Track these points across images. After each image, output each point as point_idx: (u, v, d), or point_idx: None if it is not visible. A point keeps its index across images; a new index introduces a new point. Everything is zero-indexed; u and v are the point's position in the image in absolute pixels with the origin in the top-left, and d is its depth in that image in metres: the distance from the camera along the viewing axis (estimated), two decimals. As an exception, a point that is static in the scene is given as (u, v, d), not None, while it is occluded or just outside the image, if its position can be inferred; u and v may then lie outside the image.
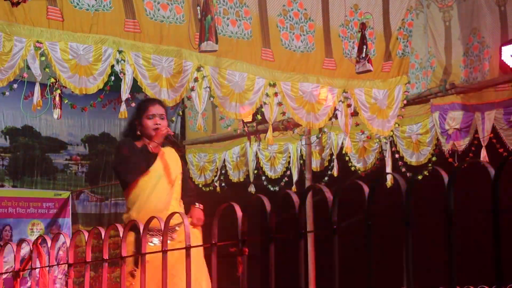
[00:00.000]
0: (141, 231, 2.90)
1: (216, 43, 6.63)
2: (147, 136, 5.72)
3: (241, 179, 10.94)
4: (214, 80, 7.15)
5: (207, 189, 11.00)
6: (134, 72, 6.66)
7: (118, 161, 5.68)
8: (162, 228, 2.92)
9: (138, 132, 5.79)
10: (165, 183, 5.64)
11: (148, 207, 5.48)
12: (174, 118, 8.75)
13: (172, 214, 3.34)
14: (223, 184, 11.03)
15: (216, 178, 11.05)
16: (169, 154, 5.80)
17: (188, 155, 11.08)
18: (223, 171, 11.04)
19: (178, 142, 6.13)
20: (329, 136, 10.18)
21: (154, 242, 5.40)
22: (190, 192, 6.05)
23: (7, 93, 6.39)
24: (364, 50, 7.56)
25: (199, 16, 6.71)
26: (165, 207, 5.51)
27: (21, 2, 5.73)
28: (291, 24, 7.71)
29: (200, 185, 11.01)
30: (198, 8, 6.79)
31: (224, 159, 11.06)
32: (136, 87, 6.83)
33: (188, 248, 2.75)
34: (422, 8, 8.90)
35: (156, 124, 5.73)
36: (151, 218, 3.13)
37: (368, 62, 7.53)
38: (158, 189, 5.59)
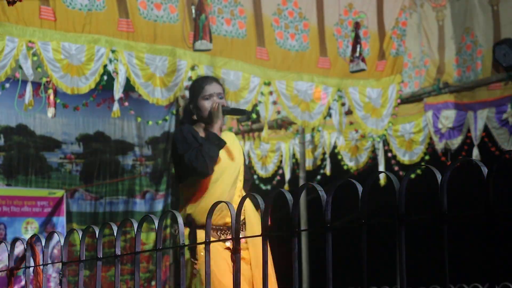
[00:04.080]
0: (135, 229, 2.91)
1: (211, 42, 6.65)
2: (205, 120, 5.03)
3: (234, 178, 10.95)
4: (209, 78, 7.16)
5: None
6: (127, 71, 6.66)
7: (193, 154, 4.87)
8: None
9: (194, 117, 5.10)
10: (229, 174, 5.01)
11: (208, 204, 4.76)
12: (167, 117, 8.74)
13: (168, 212, 3.35)
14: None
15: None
16: (232, 141, 5.16)
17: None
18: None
19: (238, 109, 5.40)
20: (321, 135, 10.20)
21: (227, 244, 4.87)
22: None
23: (-1, 93, 6.41)
24: (358, 49, 7.59)
25: (194, 15, 6.73)
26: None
27: (17, 1, 5.71)
28: (285, 23, 7.73)
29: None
30: (193, 7, 6.81)
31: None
32: (130, 86, 6.84)
33: (181, 247, 2.76)
34: (416, 8, 8.92)
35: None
36: (145, 217, 3.12)
37: (362, 61, 7.56)
38: (221, 183, 4.97)
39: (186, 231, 4.97)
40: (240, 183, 5.08)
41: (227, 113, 5.09)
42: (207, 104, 5.01)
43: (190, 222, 4.98)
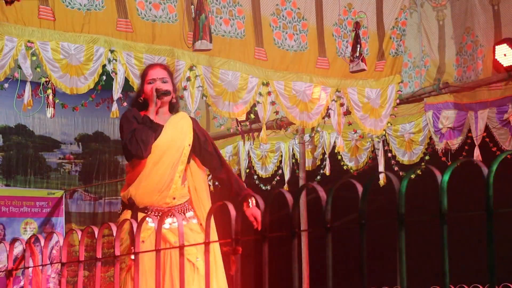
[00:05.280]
0: (135, 230, 2.89)
1: (210, 42, 6.64)
2: (146, 103, 5.20)
3: (234, 178, 10.95)
4: (207, 79, 7.15)
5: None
6: (126, 71, 6.66)
7: (128, 137, 5.03)
8: (156, 227, 2.92)
9: (140, 101, 5.25)
10: (169, 158, 5.11)
11: (147, 185, 5.06)
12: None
13: (164, 215, 3.33)
14: (216, 183, 11.04)
15: (210, 177, 11.06)
16: (178, 123, 5.25)
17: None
18: (217, 170, 11.04)
19: (177, 107, 5.39)
20: (321, 135, 10.19)
21: (150, 224, 4.95)
22: (229, 178, 5.37)
23: (-2, 92, 6.41)
24: (358, 49, 7.58)
25: (193, 15, 6.72)
26: (167, 186, 5.08)
27: (15, 1, 5.70)
28: (284, 23, 7.71)
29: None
30: (192, 7, 6.80)
31: (218, 158, 11.06)
32: (129, 86, 6.83)
33: (181, 247, 2.75)
34: (416, 7, 8.91)
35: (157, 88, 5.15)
36: (143, 218, 3.12)
37: (362, 61, 7.55)
38: (161, 166, 5.08)
39: (128, 213, 5.08)
40: (182, 165, 5.18)
41: (160, 95, 5.17)
42: (149, 88, 5.18)
43: (132, 204, 5.07)
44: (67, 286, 10.23)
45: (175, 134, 5.21)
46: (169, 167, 5.12)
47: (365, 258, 2.27)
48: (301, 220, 9.21)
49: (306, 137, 9.83)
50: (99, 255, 3.04)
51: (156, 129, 5.10)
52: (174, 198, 5.13)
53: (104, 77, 6.60)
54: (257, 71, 7.52)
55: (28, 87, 6.30)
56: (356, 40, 7.62)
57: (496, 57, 8.10)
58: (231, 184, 5.32)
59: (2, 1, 5.83)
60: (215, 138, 10.85)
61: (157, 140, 5.12)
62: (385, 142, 9.73)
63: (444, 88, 8.69)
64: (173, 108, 5.33)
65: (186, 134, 5.24)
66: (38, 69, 6.38)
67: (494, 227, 2.02)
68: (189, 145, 5.23)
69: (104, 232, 3.18)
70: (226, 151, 11.02)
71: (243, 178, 10.72)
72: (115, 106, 6.63)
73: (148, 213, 5.00)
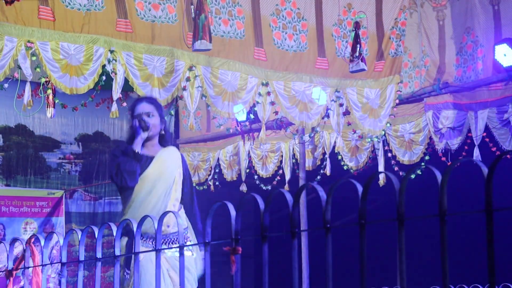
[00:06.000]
0: (135, 229, 2.90)
1: (210, 42, 6.64)
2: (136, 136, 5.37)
3: (234, 178, 10.97)
4: (206, 79, 7.15)
5: (201, 188, 11.03)
6: (126, 71, 6.66)
7: (114, 170, 5.26)
8: (155, 227, 2.92)
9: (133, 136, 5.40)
10: (162, 187, 5.31)
11: (142, 213, 4.86)
12: (166, 118, 8.75)
13: (166, 212, 3.33)
14: (217, 183, 11.05)
15: (210, 177, 11.08)
16: (168, 155, 5.45)
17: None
18: (217, 170, 11.07)
19: (167, 138, 5.60)
20: (321, 135, 10.18)
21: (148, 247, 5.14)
22: None
23: (-3, 92, 6.41)
24: (358, 49, 7.57)
25: (193, 15, 6.72)
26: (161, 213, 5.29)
27: (15, 1, 5.70)
28: (283, 24, 7.71)
29: (194, 184, 11.06)
30: (192, 7, 6.80)
31: (218, 158, 11.08)
32: (129, 86, 6.83)
33: (181, 247, 2.75)
34: (416, 7, 8.90)
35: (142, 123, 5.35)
36: (145, 217, 3.12)
37: (362, 61, 7.55)
38: (154, 195, 5.27)
39: (124, 240, 5.19)
40: (175, 193, 5.39)
41: (143, 128, 5.32)
42: (134, 123, 5.35)
43: (128, 232, 5.12)
44: (67, 286, 10.22)
45: (164, 165, 5.39)
46: (162, 196, 5.31)
47: (365, 258, 2.27)
48: (301, 220, 9.20)
49: (306, 137, 9.82)
50: (99, 255, 3.04)
51: (139, 159, 5.26)
52: (168, 226, 5.26)
53: (104, 77, 6.60)
54: (257, 71, 7.52)
55: (28, 87, 6.30)
56: (356, 40, 7.62)
57: (496, 57, 8.09)
58: None
59: (2, 1, 5.82)
60: (215, 138, 10.86)
61: (147, 170, 5.30)
62: (385, 142, 9.73)
63: (444, 88, 8.68)
64: (163, 140, 5.50)
65: (176, 165, 5.45)
66: (38, 69, 6.38)
67: (494, 227, 2.02)
68: (180, 174, 5.44)
69: (104, 232, 3.18)
70: (226, 151, 11.03)
71: (243, 178, 10.73)
72: (115, 106, 6.64)
73: (144, 239, 5.16)
